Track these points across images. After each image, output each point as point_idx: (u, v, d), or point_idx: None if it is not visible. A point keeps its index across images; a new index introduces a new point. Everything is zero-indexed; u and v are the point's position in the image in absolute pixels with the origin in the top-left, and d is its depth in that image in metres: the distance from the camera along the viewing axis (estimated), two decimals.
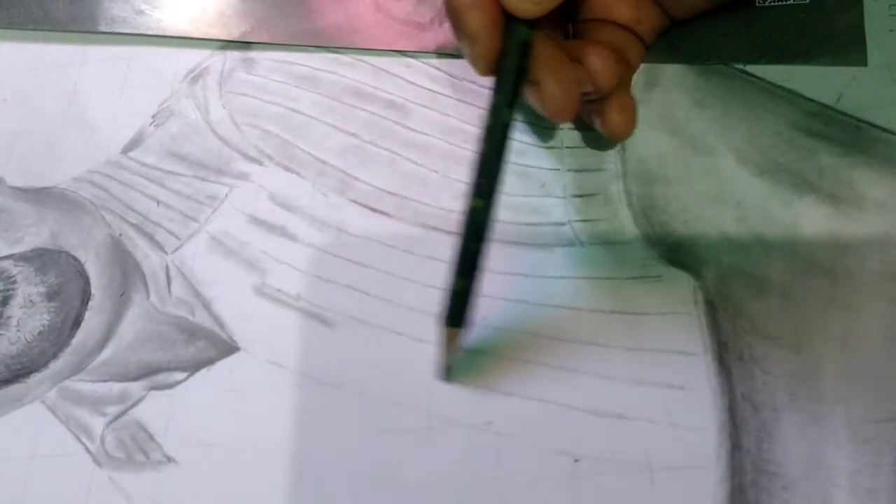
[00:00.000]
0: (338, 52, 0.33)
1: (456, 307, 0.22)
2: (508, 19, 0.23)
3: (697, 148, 0.28)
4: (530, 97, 0.24)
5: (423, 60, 0.32)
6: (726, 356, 0.24)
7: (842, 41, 0.29)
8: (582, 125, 0.29)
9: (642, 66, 0.30)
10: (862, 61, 0.29)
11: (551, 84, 0.23)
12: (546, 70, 0.23)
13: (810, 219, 0.26)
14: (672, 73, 0.30)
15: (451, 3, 0.23)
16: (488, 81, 0.32)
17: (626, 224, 0.27)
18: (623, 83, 0.26)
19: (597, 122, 0.26)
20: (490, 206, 0.22)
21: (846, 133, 0.28)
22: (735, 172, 0.27)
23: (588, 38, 0.27)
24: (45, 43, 0.35)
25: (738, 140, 0.28)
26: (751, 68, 0.29)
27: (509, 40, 0.23)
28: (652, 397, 0.23)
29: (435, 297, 0.26)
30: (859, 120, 0.28)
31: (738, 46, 0.30)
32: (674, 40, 0.30)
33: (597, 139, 0.29)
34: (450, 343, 0.23)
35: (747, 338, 0.24)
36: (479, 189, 0.22)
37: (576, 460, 0.22)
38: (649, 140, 0.28)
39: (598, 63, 0.25)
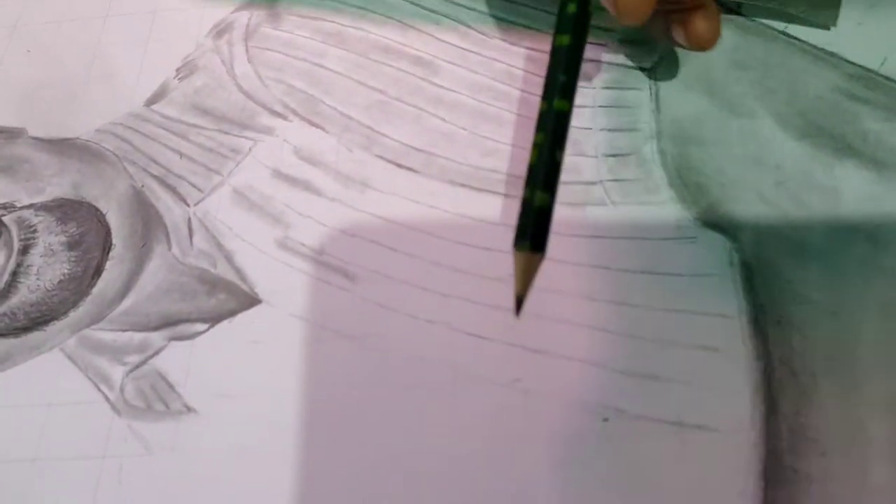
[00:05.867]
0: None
1: (538, 227, 0.19)
2: None
3: (735, 110, 0.27)
4: None
5: (453, 18, 0.31)
6: (762, 319, 0.23)
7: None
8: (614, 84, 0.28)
9: None
10: (832, 21, 0.28)
11: None
12: None
13: (852, 184, 0.25)
14: None
15: None
16: (518, 39, 0.32)
17: (660, 185, 0.26)
18: None
19: (678, 33, 0.26)
20: (572, 107, 0.20)
21: (890, 98, 0.27)
22: (774, 135, 0.26)
23: None
24: None
25: (778, 103, 0.27)
26: (792, 30, 0.28)
27: None
28: (684, 359, 0.22)
29: (461, 252, 0.26)
30: None
31: None
32: None
33: (630, 98, 0.28)
34: (528, 271, 0.20)
35: (785, 302, 0.23)
36: (562, 89, 0.20)
37: (605, 419, 0.22)
38: (685, 100, 0.28)
39: None
